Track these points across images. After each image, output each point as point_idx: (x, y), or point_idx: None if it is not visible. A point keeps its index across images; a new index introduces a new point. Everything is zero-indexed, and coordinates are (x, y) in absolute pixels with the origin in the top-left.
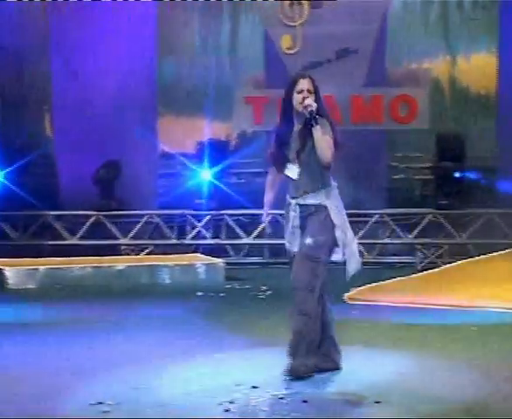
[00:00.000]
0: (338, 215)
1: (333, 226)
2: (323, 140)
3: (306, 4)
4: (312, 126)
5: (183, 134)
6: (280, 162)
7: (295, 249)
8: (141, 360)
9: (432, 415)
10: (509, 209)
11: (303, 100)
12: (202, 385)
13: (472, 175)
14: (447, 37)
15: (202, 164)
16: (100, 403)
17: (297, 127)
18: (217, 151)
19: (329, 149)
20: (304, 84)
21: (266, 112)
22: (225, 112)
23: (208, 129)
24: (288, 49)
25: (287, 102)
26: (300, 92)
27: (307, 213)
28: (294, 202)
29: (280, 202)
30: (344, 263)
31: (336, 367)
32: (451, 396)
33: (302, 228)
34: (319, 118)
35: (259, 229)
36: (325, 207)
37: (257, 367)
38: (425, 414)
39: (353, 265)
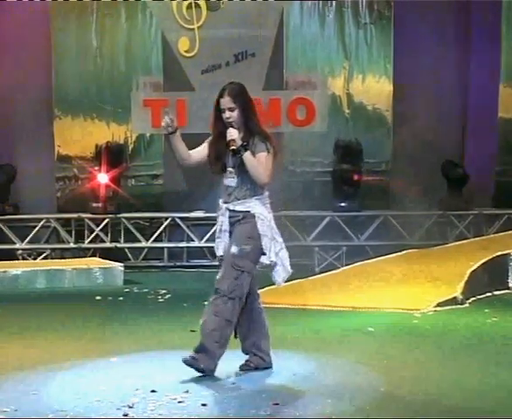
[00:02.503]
0: (265, 224)
1: (258, 234)
2: (255, 166)
3: (203, 7)
4: (241, 156)
5: (80, 137)
6: (219, 171)
7: (221, 252)
8: (37, 365)
9: (329, 416)
10: (403, 211)
11: (226, 120)
12: (100, 390)
13: (368, 179)
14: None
15: (99, 167)
16: None
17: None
18: (115, 154)
19: (264, 172)
20: (223, 103)
21: (164, 114)
22: (123, 115)
23: (106, 132)
24: (186, 52)
25: (215, 117)
26: (223, 111)
27: (235, 219)
28: (224, 206)
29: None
30: (271, 270)
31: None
32: (347, 397)
33: (230, 233)
34: (251, 137)
35: (157, 232)
36: (253, 215)
37: (155, 371)
38: (322, 414)
39: (282, 274)
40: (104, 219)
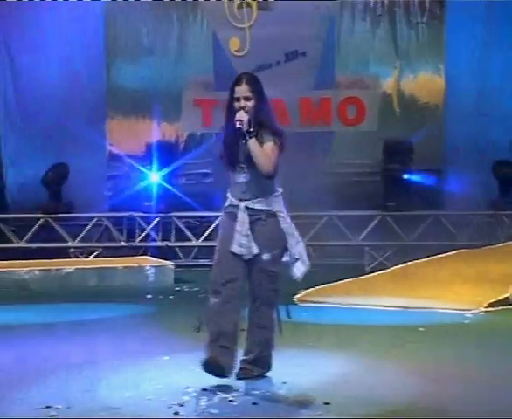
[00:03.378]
0: (286, 221)
1: (283, 233)
2: (260, 154)
3: (254, 6)
4: (246, 140)
5: (131, 136)
6: (231, 165)
7: (245, 252)
8: (91, 363)
9: (377, 416)
10: (454, 211)
11: (239, 110)
12: (152, 388)
13: (419, 178)
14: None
15: (151, 166)
16: (48, 407)
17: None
18: (166, 153)
19: (267, 161)
20: (239, 91)
21: (215, 114)
22: (174, 114)
23: (157, 131)
24: (237, 51)
25: (229, 108)
26: (237, 100)
27: (255, 218)
28: (243, 204)
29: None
30: (291, 265)
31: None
32: (395, 398)
33: (251, 232)
34: (260, 128)
35: (208, 231)
36: (274, 214)
37: None
38: (369, 415)
39: (301, 269)
40: (155, 218)
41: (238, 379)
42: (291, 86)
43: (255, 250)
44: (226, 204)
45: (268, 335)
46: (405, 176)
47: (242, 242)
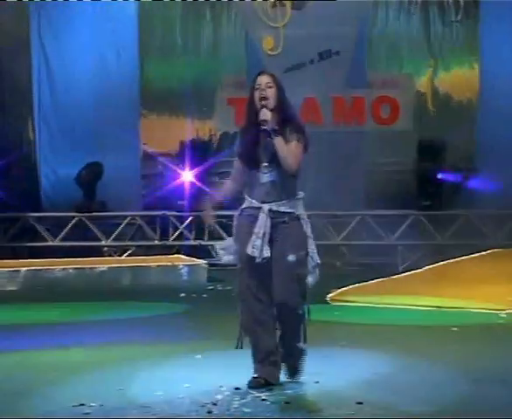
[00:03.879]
0: (308, 225)
1: (306, 238)
2: (286, 151)
3: (288, 5)
4: (271, 138)
5: (164, 135)
6: (252, 165)
7: (257, 254)
8: (123, 361)
9: (411, 416)
10: (488, 210)
11: (261, 107)
12: (184, 387)
13: (453, 177)
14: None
15: (184, 165)
16: (82, 405)
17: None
18: (199, 151)
19: (293, 159)
20: (261, 80)
21: None
22: (207, 113)
23: (190, 130)
24: (271, 50)
25: (251, 102)
26: (258, 88)
27: (279, 220)
28: (266, 206)
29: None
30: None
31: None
32: (430, 396)
33: (271, 235)
34: (283, 126)
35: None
36: (298, 218)
37: (239, 369)
38: (405, 414)
39: (314, 276)
40: (188, 216)
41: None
42: (324, 85)
43: (266, 253)
44: (244, 206)
45: (296, 342)
46: (439, 175)
47: (256, 243)
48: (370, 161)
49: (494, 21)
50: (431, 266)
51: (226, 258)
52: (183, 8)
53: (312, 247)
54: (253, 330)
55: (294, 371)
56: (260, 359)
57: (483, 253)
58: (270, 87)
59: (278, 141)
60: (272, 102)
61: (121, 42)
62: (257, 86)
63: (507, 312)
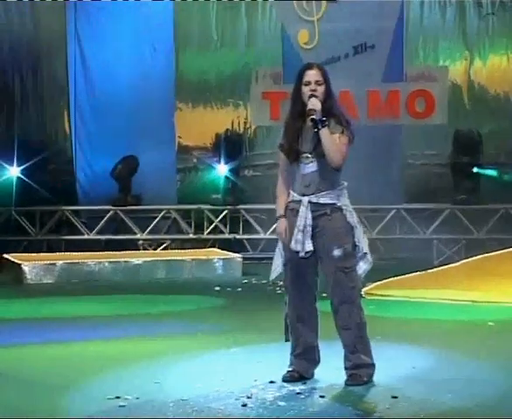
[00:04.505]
0: (353, 215)
1: (351, 228)
2: (332, 144)
3: None
4: (318, 129)
5: (199, 128)
6: (294, 156)
7: (299, 248)
8: (159, 355)
9: (448, 412)
10: None
11: (310, 97)
12: (220, 380)
13: (488, 171)
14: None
15: (219, 158)
16: (118, 397)
17: (308, 120)
18: (234, 145)
19: (338, 152)
20: (311, 75)
21: (284, 107)
22: (243, 106)
23: (225, 124)
24: (306, 44)
25: (297, 94)
26: (308, 84)
27: (319, 213)
28: (306, 199)
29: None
30: (359, 260)
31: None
32: (467, 393)
33: (313, 228)
34: (328, 118)
35: (275, 224)
36: (340, 209)
37: (274, 363)
38: (441, 410)
39: (364, 266)
40: (223, 210)
41: (348, 385)
42: (359, 79)
43: (308, 248)
44: (289, 200)
45: (355, 336)
46: (475, 169)
47: (298, 237)
48: (405, 156)
49: None
50: (466, 260)
51: (275, 274)
52: (219, 1)
53: (359, 237)
54: (295, 325)
55: (353, 376)
56: (297, 353)
57: None
58: (320, 85)
59: (324, 133)
60: (321, 98)
61: (156, 36)
62: (306, 82)
63: None
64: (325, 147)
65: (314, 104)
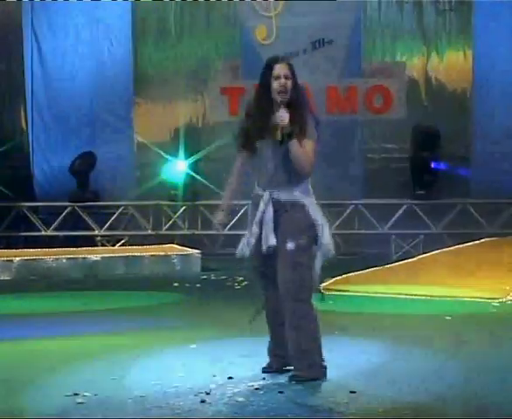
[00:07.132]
0: (317, 210)
1: (313, 224)
2: (301, 155)
3: None
4: (285, 142)
5: (157, 124)
6: (254, 147)
7: (273, 241)
8: (118, 351)
9: (406, 406)
10: (482, 199)
11: (279, 93)
12: (178, 376)
13: (447, 166)
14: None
15: (177, 154)
16: (76, 394)
17: (275, 114)
18: (192, 141)
19: (307, 162)
20: (280, 68)
21: (242, 102)
22: (201, 102)
23: (183, 119)
24: (264, 39)
25: (263, 88)
26: (278, 78)
27: (281, 209)
28: (266, 194)
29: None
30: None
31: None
32: (424, 387)
33: (275, 224)
34: (294, 124)
35: (234, 220)
36: (302, 205)
37: (233, 358)
38: (399, 404)
39: (320, 261)
40: (182, 206)
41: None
42: (318, 75)
43: (271, 242)
44: (252, 194)
45: (303, 336)
46: (433, 164)
47: (255, 232)
48: (363, 151)
49: (487, 9)
50: (424, 255)
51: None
52: None
53: (321, 234)
54: (269, 318)
55: (296, 376)
56: (271, 349)
57: (476, 242)
58: (288, 79)
59: (293, 145)
60: (289, 94)
61: (114, 30)
62: (276, 76)
63: (499, 300)
64: (293, 158)
65: (284, 118)
